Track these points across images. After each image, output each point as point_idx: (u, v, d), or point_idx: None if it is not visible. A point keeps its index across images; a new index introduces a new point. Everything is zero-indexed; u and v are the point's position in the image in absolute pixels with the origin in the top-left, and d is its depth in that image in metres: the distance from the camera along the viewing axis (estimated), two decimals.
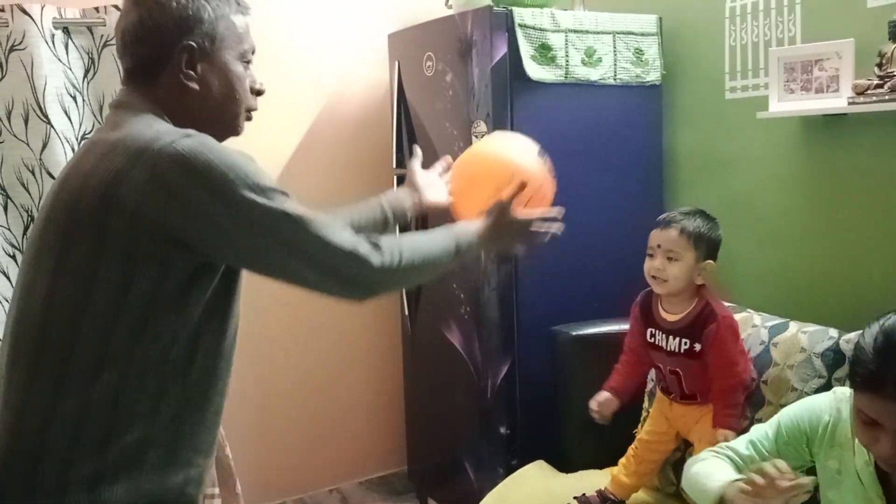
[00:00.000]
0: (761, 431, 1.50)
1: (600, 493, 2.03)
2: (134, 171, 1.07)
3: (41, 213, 1.18)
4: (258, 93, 1.33)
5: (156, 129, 1.12)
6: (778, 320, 2.04)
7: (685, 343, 1.90)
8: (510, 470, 2.35)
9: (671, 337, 1.93)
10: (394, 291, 1.16)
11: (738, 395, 1.86)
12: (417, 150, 1.80)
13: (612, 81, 2.51)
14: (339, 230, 1.17)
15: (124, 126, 1.15)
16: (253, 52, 1.30)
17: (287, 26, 2.85)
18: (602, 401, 2.01)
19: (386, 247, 1.20)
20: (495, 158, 1.64)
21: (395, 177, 2.81)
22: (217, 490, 1.55)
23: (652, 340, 1.99)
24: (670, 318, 1.94)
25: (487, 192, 1.49)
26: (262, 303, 2.91)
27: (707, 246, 1.92)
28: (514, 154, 1.62)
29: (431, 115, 2.62)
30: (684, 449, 2.04)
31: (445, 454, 2.79)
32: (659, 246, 1.92)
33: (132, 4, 1.21)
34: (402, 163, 2.79)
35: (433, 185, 1.73)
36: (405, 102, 2.75)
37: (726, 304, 2.02)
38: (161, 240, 1.07)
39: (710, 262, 1.91)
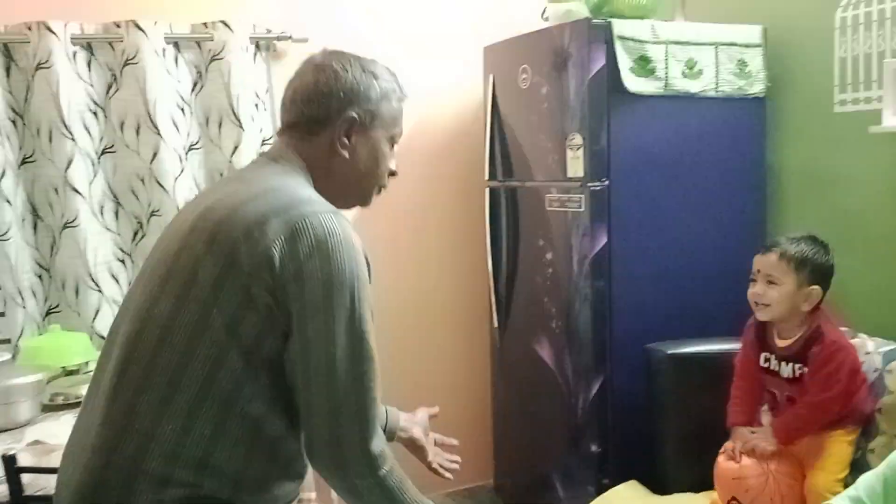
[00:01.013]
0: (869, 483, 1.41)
1: None
2: (276, 219, 1.12)
3: (174, 234, 1.22)
4: (392, 174, 1.40)
5: (308, 194, 1.20)
6: (893, 345, 1.94)
7: (799, 368, 1.84)
8: (601, 489, 2.30)
9: (784, 363, 1.87)
10: (353, 497, 1.20)
11: (814, 418, 1.78)
12: (433, 411, 1.92)
13: (713, 94, 2.44)
14: (377, 406, 1.18)
15: (279, 177, 1.23)
16: (400, 136, 1.38)
17: (384, 38, 2.89)
18: (745, 437, 1.95)
19: (392, 458, 1.19)
20: None
21: (487, 189, 2.81)
22: (314, 495, 1.57)
23: (766, 365, 1.94)
24: (782, 343, 1.88)
25: None
26: None
27: (812, 271, 1.84)
28: None
29: (525, 127, 2.61)
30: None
31: (534, 470, 2.76)
32: (759, 271, 1.88)
33: (313, 68, 1.31)
34: (494, 175, 2.79)
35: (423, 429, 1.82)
36: (499, 115, 2.75)
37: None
38: (268, 292, 1.11)
39: (816, 287, 1.83)
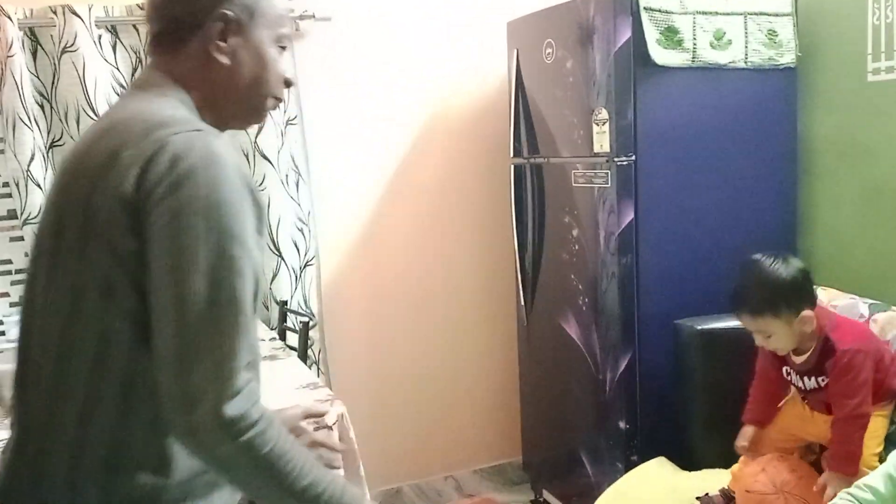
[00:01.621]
0: None
1: (724, 493, 1.96)
2: (127, 152, 0.97)
3: (51, 209, 1.07)
4: (288, 83, 1.19)
5: (170, 115, 1.03)
6: None
7: (821, 380, 1.82)
8: (630, 465, 2.30)
9: (805, 377, 1.85)
10: (222, 471, 1.00)
11: (854, 430, 1.75)
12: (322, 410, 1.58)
13: (742, 65, 2.39)
14: (245, 358, 0.96)
15: (140, 104, 1.07)
16: (290, 41, 1.20)
17: (407, 16, 2.88)
18: (750, 437, 1.93)
19: (266, 421, 0.96)
20: None
21: (511, 166, 2.79)
22: (342, 472, 1.58)
23: (788, 378, 1.92)
24: (798, 359, 1.86)
25: None
26: (380, 294, 2.97)
27: (787, 302, 1.78)
28: None
29: (551, 102, 2.58)
30: (819, 451, 1.94)
31: (561, 447, 2.76)
32: (747, 328, 1.85)
33: None
34: (519, 152, 2.77)
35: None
36: (523, 90, 2.72)
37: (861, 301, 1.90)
38: (133, 236, 0.96)
39: (805, 312, 1.78)
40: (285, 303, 2.64)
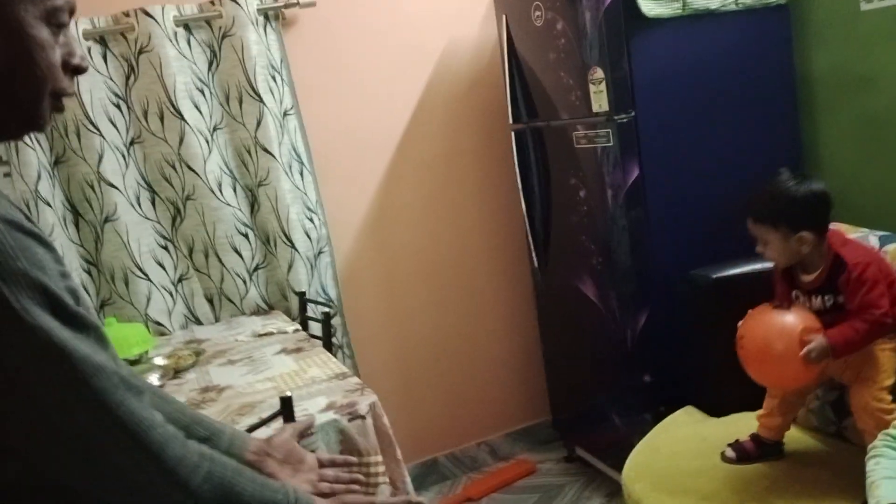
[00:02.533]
0: None
1: (754, 438, 1.99)
2: None
3: None
4: (76, 70, 0.90)
5: None
6: None
7: (829, 299, 1.83)
8: (658, 417, 2.33)
9: (814, 297, 1.85)
10: None
11: (867, 328, 1.74)
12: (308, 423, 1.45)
13: (733, 7, 2.37)
14: (136, 397, 0.83)
15: None
16: (70, 14, 0.89)
17: None
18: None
19: (193, 454, 0.88)
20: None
21: (511, 133, 2.79)
22: (380, 458, 1.62)
23: (797, 302, 1.92)
24: (807, 278, 1.86)
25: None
26: (395, 272, 2.99)
27: (789, 221, 1.78)
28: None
29: (544, 66, 2.57)
30: (841, 388, 1.96)
31: (589, 404, 2.80)
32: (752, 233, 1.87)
33: None
34: (518, 118, 2.77)
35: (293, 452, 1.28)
36: (516, 56, 2.71)
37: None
38: None
39: (804, 234, 1.78)
40: (303, 293, 2.67)
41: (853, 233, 2.16)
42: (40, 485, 0.83)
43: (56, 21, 0.86)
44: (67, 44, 0.89)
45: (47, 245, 0.81)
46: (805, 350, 1.71)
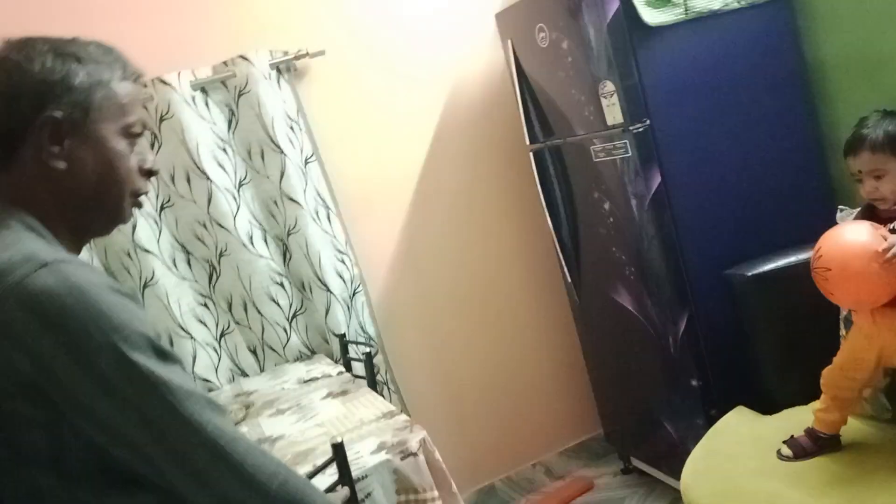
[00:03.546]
0: None
1: (810, 433, 1.97)
2: None
3: None
4: (149, 173, 1.10)
5: (8, 256, 0.93)
6: None
7: None
8: (710, 420, 2.32)
9: (886, 224, 1.82)
10: None
11: None
12: None
13: (736, 5, 2.37)
14: (221, 416, 0.98)
15: None
16: (144, 127, 1.10)
17: (396, 31, 2.91)
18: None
19: (271, 463, 1.00)
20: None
21: (530, 153, 2.81)
22: (436, 493, 1.64)
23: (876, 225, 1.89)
24: (890, 209, 1.84)
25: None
26: (431, 304, 3.02)
27: None
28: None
29: (555, 84, 2.59)
30: (893, 374, 1.94)
31: (639, 414, 2.79)
32: (860, 171, 1.83)
33: None
34: (534, 138, 2.79)
35: None
36: (526, 79, 2.74)
37: None
38: (16, 398, 0.91)
39: None
40: (343, 335, 2.70)
41: None
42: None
43: (131, 133, 1.06)
44: (141, 152, 1.08)
45: (137, 301, 0.99)
46: (888, 244, 1.68)
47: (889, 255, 1.67)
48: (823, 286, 1.81)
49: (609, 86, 2.32)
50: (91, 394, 0.90)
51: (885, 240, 1.71)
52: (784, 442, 1.97)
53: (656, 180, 2.32)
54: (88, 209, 1.05)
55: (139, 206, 1.11)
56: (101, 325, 0.90)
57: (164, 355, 0.96)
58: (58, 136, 1.00)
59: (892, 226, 1.82)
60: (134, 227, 2.52)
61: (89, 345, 0.90)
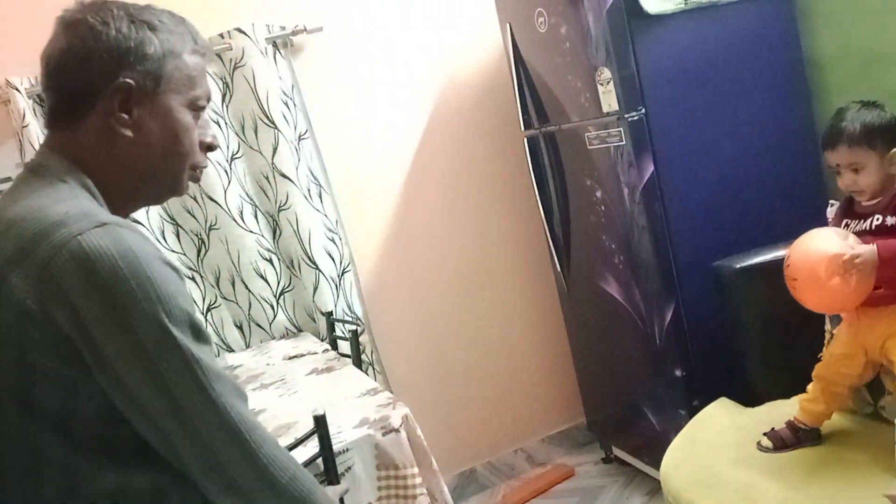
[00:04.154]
0: None
1: (790, 425, 1.97)
2: (17, 272, 0.90)
3: None
4: (209, 148, 1.11)
5: (63, 212, 0.92)
6: None
7: (877, 219, 1.80)
8: (693, 411, 2.33)
9: (861, 220, 1.83)
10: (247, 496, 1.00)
11: None
12: None
13: None
14: (244, 402, 0.99)
15: (28, 200, 0.96)
16: (208, 100, 1.09)
17: (394, 9, 2.90)
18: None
19: (283, 457, 1.02)
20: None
21: (524, 139, 2.81)
22: (417, 469, 1.64)
23: (847, 230, 1.90)
24: (871, 203, 1.83)
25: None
26: (419, 286, 3.02)
27: (882, 136, 1.79)
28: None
29: (552, 70, 2.59)
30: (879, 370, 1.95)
31: (623, 403, 2.80)
32: (838, 164, 1.84)
33: (63, 28, 1.01)
34: (529, 124, 2.79)
35: None
36: (523, 63, 2.73)
37: None
38: (52, 350, 0.91)
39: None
40: (330, 313, 2.70)
41: None
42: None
43: (196, 107, 1.06)
44: (203, 126, 1.09)
45: (182, 277, 0.99)
46: (850, 254, 1.70)
47: (849, 266, 1.68)
48: (794, 294, 1.84)
49: (606, 73, 2.31)
50: (125, 360, 0.91)
51: (853, 248, 1.72)
52: (764, 433, 1.98)
53: (649, 169, 2.32)
54: (147, 178, 1.05)
55: (196, 179, 1.11)
56: (148, 294, 0.90)
57: (200, 335, 0.96)
58: (127, 103, 1.00)
59: (863, 225, 1.83)
60: None
61: (133, 311, 0.90)
